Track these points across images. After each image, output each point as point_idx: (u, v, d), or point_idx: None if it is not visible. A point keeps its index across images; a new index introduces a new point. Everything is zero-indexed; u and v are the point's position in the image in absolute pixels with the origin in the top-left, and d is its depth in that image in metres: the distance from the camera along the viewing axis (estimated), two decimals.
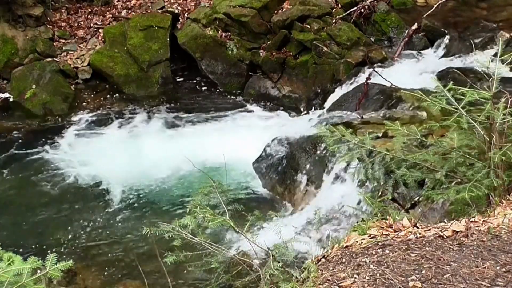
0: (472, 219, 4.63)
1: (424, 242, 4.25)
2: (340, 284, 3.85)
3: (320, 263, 4.29)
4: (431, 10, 11.71)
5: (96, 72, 12.68)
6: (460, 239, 4.28)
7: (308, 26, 12.08)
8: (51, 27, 13.06)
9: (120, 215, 9.48)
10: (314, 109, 11.49)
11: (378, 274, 3.88)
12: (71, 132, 11.54)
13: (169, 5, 13.41)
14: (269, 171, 9.90)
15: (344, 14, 12.23)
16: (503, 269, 3.89)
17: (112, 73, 12.58)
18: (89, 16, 13.40)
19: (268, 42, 12.37)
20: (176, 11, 13.24)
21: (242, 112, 11.93)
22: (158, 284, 7.10)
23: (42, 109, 12.06)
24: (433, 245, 4.20)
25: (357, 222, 5.23)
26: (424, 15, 11.80)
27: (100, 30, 13.13)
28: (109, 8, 13.54)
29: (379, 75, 10.69)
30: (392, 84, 10.37)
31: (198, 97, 12.50)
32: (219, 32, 12.53)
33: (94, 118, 11.92)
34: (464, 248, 4.15)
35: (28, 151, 11.06)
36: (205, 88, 12.73)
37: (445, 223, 4.67)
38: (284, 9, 12.61)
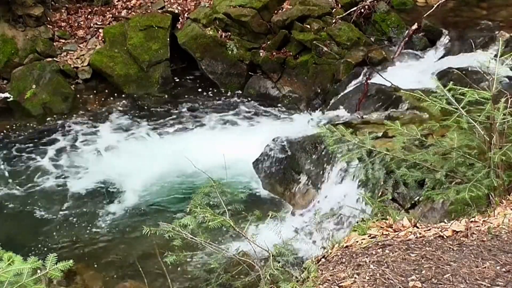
0: (472, 219, 4.63)
1: (424, 242, 4.25)
2: (340, 284, 3.85)
3: (320, 263, 4.29)
4: (431, 10, 11.69)
5: (96, 72, 12.67)
6: (460, 239, 4.28)
7: (308, 26, 12.07)
8: (51, 27, 13.06)
9: (119, 215, 9.48)
10: (314, 109, 11.48)
11: (378, 274, 3.88)
12: (71, 132, 11.54)
13: (169, 5, 13.41)
14: (269, 171, 9.90)
15: (344, 14, 12.22)
16: (503, 269, 3.89)
17: (112, 73, 12.57)
18: (89, 16, 13.39)
19: (268, 42, 12.37)
20: (176, 11, 13.23)
21: (242, 112, 11.93)
22: (158, 284, 7.10)
23: (42, 109, 12.05)
24: (433, 245, 4.20)
25: (357, 222, 5.23)
26: (424, 15, 11.80)
27: (100, 30, 13.13)
28: (109, 8, 13.53)
29: (379, 75, 10.69)
30: (392, 84, 10.38)
31: (198, 97, 12.49)
32: (219, 32, 12.53)
33: (94, 118, 11.91)
34: (464, 248, 4.15)
35: (28, 151, 11.06)
36: (205, 88, 12.71)
37: (445, 223, 4.66)
38: (284, 9, 12.60)
